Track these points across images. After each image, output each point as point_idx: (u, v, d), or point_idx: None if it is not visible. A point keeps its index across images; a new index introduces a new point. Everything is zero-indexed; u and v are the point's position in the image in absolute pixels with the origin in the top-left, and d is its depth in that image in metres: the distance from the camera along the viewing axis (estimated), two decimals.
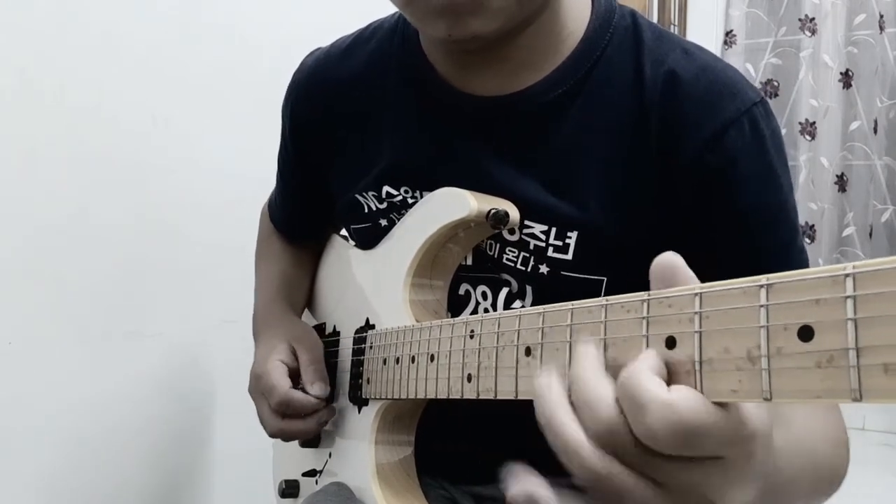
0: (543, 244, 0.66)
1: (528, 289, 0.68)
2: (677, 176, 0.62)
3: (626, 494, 0.37)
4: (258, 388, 0.76)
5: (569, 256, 0.65)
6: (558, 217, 0.65)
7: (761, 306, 0.32)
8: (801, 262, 0.65)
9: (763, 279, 0.33)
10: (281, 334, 0.79)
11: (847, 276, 0.29)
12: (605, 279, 0.66)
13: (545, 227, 0.66)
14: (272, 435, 0.75)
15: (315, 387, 0.74)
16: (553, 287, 0.67)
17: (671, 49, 0.65)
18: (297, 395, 0.73)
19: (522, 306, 0.69)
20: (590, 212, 0.65)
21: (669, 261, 0.39)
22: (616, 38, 0.66)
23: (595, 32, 0.66)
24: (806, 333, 0.30)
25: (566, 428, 0.38)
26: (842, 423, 0.61)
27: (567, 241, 0.65)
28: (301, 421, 0.74)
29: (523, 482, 0.41)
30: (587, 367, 0.39)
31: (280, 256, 0.92)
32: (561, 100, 0.66)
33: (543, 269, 0.66)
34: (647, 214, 0.64)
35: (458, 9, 0.58)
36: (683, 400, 0.34)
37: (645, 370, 0.36)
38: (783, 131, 2.59)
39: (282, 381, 0.73)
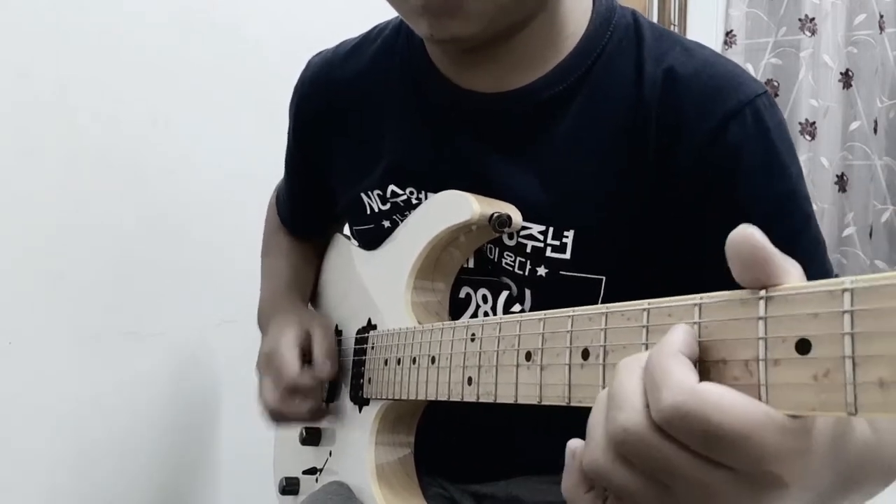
0: (542, 245, 0.66)
1: (527, 292, 0.68)
2: (678, 173, 0.62)
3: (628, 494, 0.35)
4: (267, 364, 0.76)
5: (567, 256, 0.65)
6: (555, 215, 0.65)
7: (759, 318, 0.33)
8: (810, 250, 0.62)
9: (762, 291, 0.33)
10: (294, 318, 0.80)
11: (845, 290, 0.29)
12: (604, 278, 0.66)
13: (542, 228, 0.66)
14: (266, 410, 0.76)
15: (325, 365, 0.75)
16: (552, 288, 0.67)
17: (671, 47, 0.65)
18: (305, 380, 0.74)
19: (522, 310, 0.69)
20: (586, 210, 0.65)
21: (745, 237, 0.33)
22: (616, 36, 0.66)
23: (595, 31, 0.66)
24: (803, 346, 0.31)
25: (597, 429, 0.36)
26: None
27: (564, 240, 0.65)
28: (300, 400, 0.74)
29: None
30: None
31: (288, 251, 0.93)
32: (560, 97, 0.66)
33: (542, 271, 0.66)
34: (645, 213, 0.64)
35: (433, 10, 0.58)
36: (714, 393, 0.31)
37: (672, 353, 0.33)
38: None
39: (293, 363, 0.74)
